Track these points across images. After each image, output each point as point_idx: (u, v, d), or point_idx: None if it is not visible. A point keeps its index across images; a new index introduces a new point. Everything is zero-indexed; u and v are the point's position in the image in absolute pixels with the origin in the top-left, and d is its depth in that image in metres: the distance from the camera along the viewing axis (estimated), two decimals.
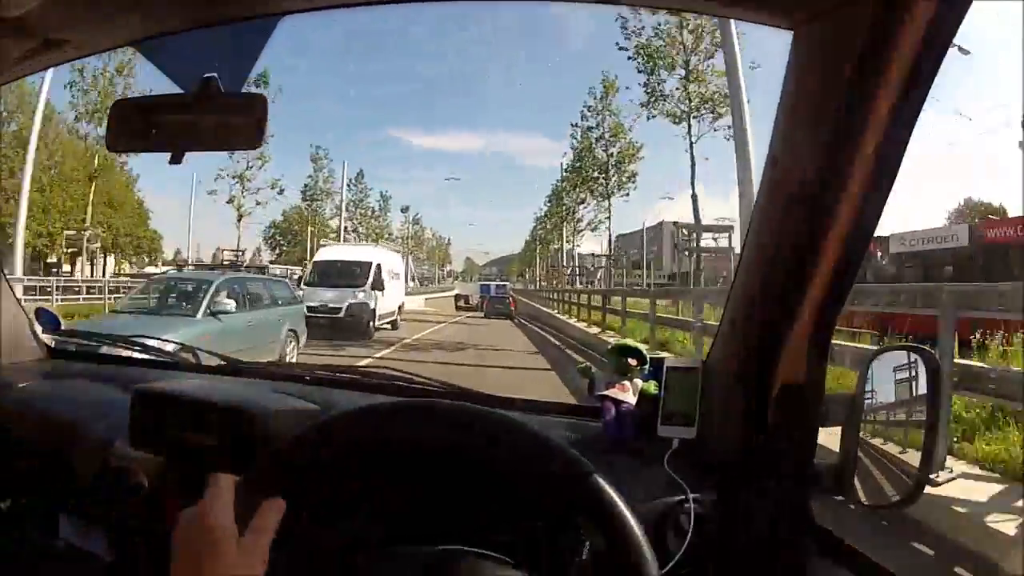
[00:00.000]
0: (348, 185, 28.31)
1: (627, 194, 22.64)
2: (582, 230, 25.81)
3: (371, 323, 12.01)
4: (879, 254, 11.80)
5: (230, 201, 22.77)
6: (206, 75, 0.77)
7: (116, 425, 0.92)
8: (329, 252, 14.91)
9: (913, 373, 0.71)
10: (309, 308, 10.45)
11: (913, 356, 0.71)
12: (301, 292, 11.53)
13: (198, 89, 0.76)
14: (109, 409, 0.95)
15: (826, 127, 0.56)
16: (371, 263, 13.23)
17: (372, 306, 12.25)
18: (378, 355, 8.95)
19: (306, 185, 27.76)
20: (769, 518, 0.70)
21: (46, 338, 1.29)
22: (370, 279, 12.65)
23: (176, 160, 0.75)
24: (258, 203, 23.27)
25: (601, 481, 0.52)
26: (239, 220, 23.24)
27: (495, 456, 0.60)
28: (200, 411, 0.84)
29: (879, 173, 0.56)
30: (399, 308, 14.91)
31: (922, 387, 0.70)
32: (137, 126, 0.81)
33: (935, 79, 0.51)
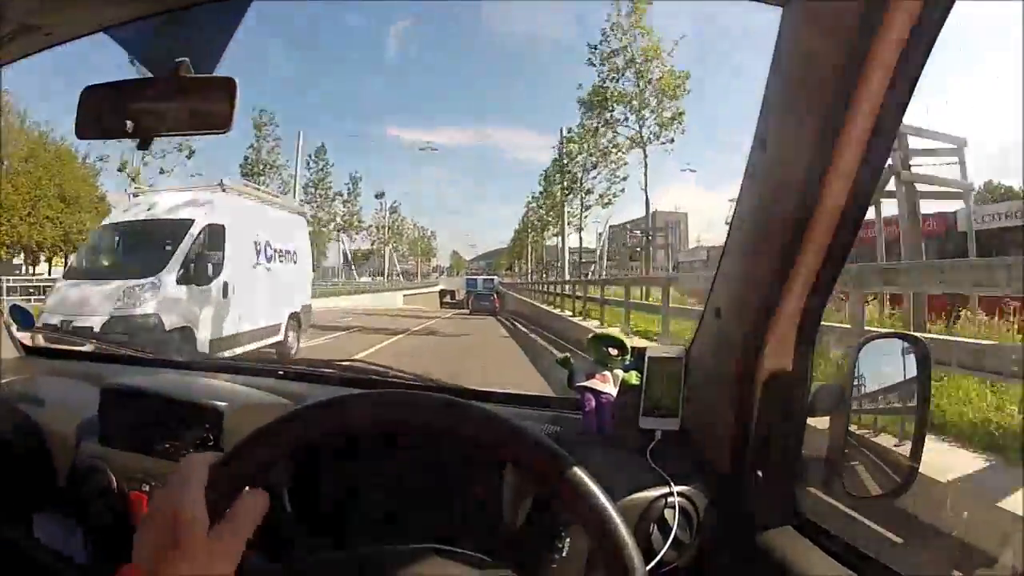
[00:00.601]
0: (307, 164, 22.53)
1: (671, 140, 15.57)
2: (591, 205, 18.73)
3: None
4: (944, 232, 9.37)
5: (121, 168, 15.77)
6: (177, 59, 0.75)
7: (87, 422, 0.89)
8: (130, 208, 6.97)
9: (902, 361, 0.69)
10: (47, 328, 4.16)
11: (902, 343, 0.70)
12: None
13: (169, 73, 0.74)
14: (80, 406, 0.93)
15: (816, 106, 0.54)
16: (191, 222, 6.16)
17: (179, 320, 5.79)
18: None
19: (246, 157, 21.28)
20: (756, 511, 0.68)
21: (21, 336, 1.26)
22: (179, 258, 5.91)
23: (144, 146, 0.73)
24: (162, 171, 16.58)
25: (582, 474, 0.51)
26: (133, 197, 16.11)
27: (472, 449, 0.58)
28: (167, 407, 0.81)
29: (869, 155, 0.54)
30: (294, 317, 7.85)
31: (911, 375, 0.68)
32: (107, 112, 0.78)
33: (928, 59, 0.50)
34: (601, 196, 18.30)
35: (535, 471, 0.53)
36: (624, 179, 17.54)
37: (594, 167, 18.10)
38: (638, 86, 15.65)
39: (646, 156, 15.83)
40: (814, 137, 0.55)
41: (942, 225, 9.42)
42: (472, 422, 0.53)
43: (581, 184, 18.73)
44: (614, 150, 17.42)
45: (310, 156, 23.63)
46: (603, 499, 0.49)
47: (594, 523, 0.49)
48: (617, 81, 16.04)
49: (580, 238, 20.64)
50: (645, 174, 15.95)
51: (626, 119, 16.24)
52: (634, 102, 15.83)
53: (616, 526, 0.48)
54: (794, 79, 0.58)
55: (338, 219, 24.13)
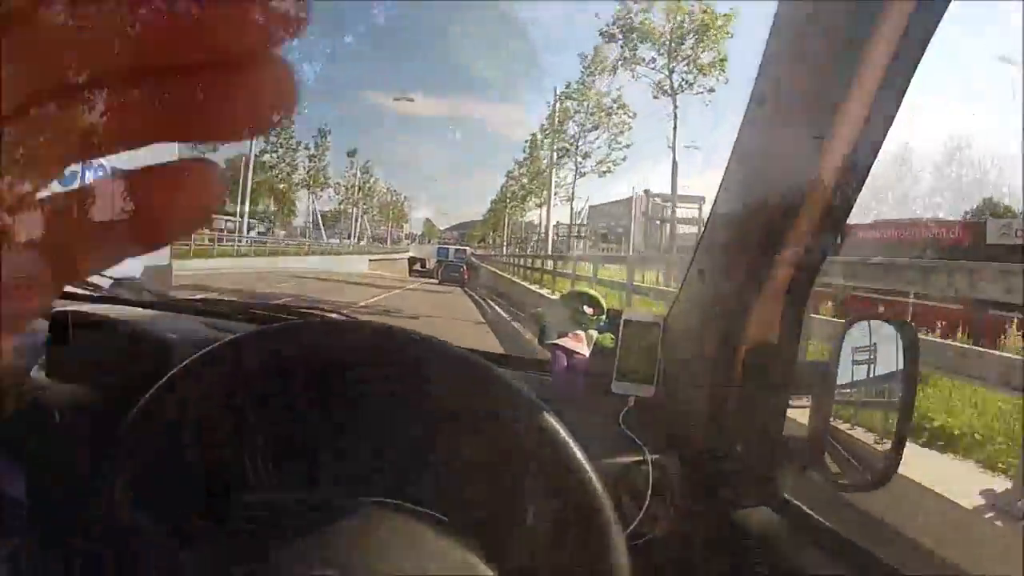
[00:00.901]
0: None
1: (711, 90, 11.68)
2: (586, 172, 14.93)
3: None
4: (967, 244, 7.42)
5: None
6: None
7: (34, 351, 0.85)
8: None
9: (890, 346, 0.67)
10: None
11: (890, 328, 0.67)
12: None
13: None
14: (31, 337, 0.88)
15: (817, 68, 0.53)
16: None
17: None
18: None
19: None
20: (732, 486, 0.65)
21: None
22: None
23: None
24: None
25: (556, 424, 0.47)
26: None
27: (421, 385, 0.54)
28: (115, 338, 0.77)
29: (877, 108, 0.53)
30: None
31: (899, 362, 0.66)
32: None
33: (929, 44, 0.49)
34: (600, 163, 14.34)
35: (497, 415, 0.50)
36: (627, 146, 13.90)
37: (594, 128, 14.24)
38: (670, 21, 11.81)
39: (676, 107, 11.88)
40: (815, 93, 0.54)
41: (967, 235, 7.71)
42: (423, 355, 0.50)
43: (577, 147, 14.69)
44: (620, 110, 13.84)
45: None
46: (579, 455, 0.46)
47: (566, 480, 0.45)
48: (644, 14, 12.03)
49: (572, 207, 16.51)
50: (674, 128, 11.89)
51: (653, 60, 12.11)
52: (664, 39, 11.90)
53: (592, 484, 0.45)
54: (795, 39, 0.57)
55: (301, 171, 20.51)
